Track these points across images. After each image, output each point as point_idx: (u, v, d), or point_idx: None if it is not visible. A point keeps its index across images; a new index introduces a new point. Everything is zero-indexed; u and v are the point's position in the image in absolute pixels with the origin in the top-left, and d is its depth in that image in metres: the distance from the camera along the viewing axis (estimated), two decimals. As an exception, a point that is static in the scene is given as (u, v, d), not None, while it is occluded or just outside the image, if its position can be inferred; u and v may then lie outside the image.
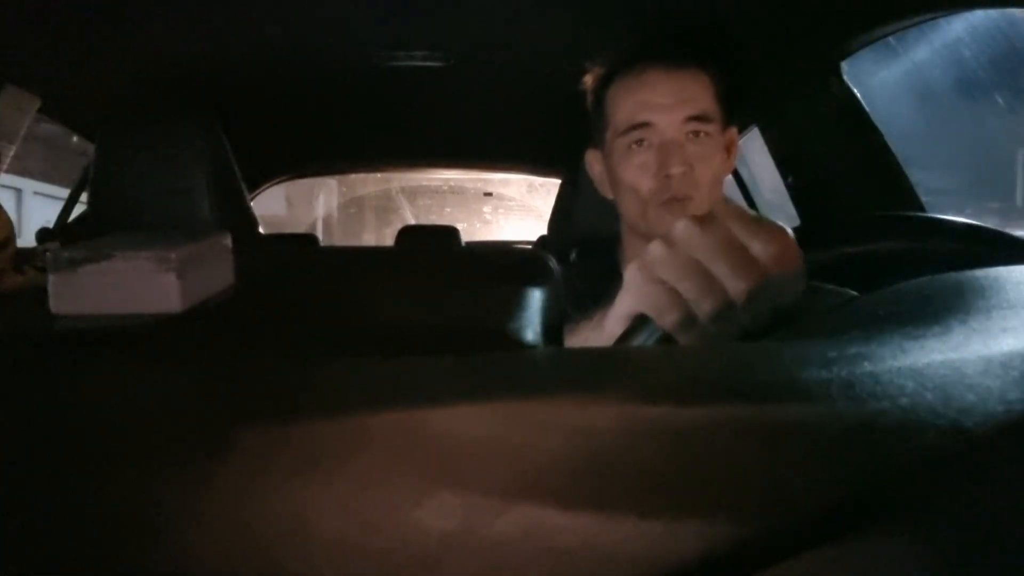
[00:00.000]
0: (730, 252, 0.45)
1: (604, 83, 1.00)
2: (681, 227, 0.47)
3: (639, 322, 0.46)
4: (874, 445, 0.19)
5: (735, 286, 0.44)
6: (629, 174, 0.94)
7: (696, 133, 0.93)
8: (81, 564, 0.16)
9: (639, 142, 0.94)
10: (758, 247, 0.45)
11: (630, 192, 0.95)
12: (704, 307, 0.45)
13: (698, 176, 0.92)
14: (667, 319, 0.46)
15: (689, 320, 0.46)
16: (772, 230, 0.46)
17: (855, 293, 0.49)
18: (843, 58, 1.29)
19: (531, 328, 0.34)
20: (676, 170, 0.90)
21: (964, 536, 0.18)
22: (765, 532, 0.17)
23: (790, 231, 0.46)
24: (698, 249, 0.45)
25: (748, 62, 1.36)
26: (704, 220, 0.46)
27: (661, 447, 0.19)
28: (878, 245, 0.50)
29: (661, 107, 0.93)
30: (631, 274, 0.48)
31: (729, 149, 0.99)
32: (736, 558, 0.17)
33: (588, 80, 1.03)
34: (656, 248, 0.47)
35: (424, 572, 0.15)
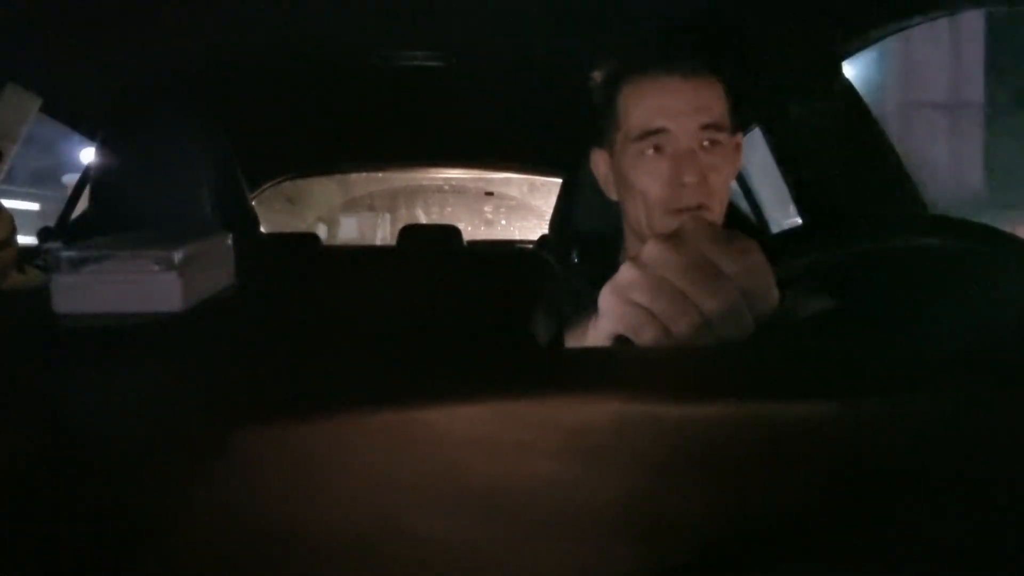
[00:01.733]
0: (699, 271, 0.46)
1: (615, 83, 0.98)
2: (649, 249, 0.48)
3: (618, 343, 0.47)
4: (870, 442, 0.19)
5: (706, 303, 0.45)
6: (641, 180, 0.94)
7: (711, 142, 0.93)
8: (82, 562, 0.16)
9: (655, 148, 0.93)
10: (726, 263, 0.46)
11: (639, 197, 0.95)
12: (678, 325, 0.46)
13: (711, 185, 0.92)
14: (643, 338, 0.46)
15: (666, 339, 0.46)
16: (740, 246, 0.47)
17: (833, 300, 0.49)
18: (845, 57, 1.29)
19: (530, 328, 0.34)
20: (690, 180, 0.90)
21: (961, 534, 0.18)
22: (765, 531, 0.17)
23: (757, 245, 0.47)
24: (667, 269, 0.46)
25: (750, 62, 1.36)
26: (672, 240, 0.47)
27: (658, 446, 0.19)
28: (868, 246, 0.50)
29: (678, 113, 0.92)
30: (604, 297, 0.49)
31: (735, 155, 0.99)
32: (736, 557, 0.17)
33: (597, 76, 1.02)
34: (627, 271, 0.48)
35: (422, 569, 0.15)
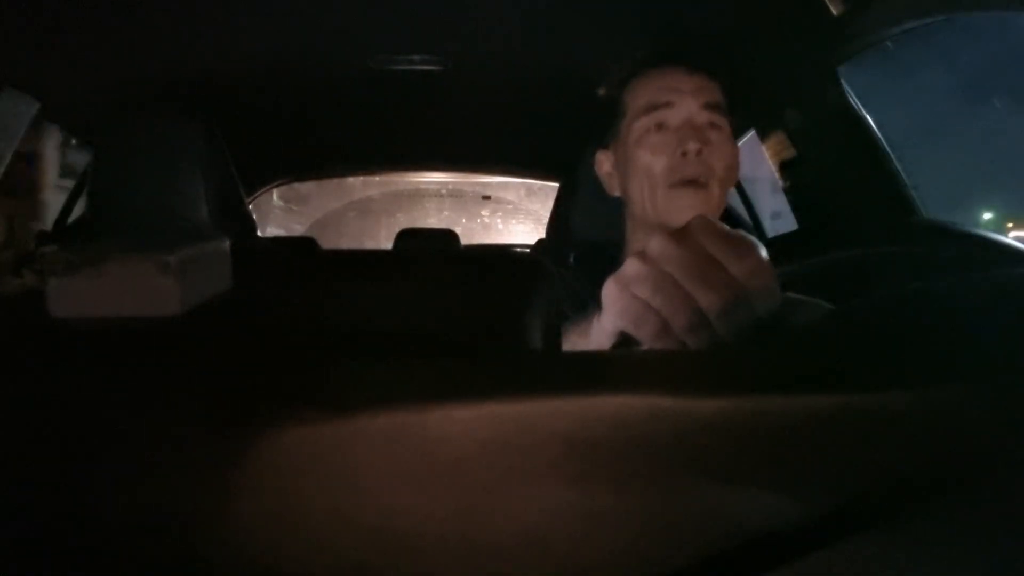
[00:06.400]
0: (702, 267, 0.46)
1: (623, 83, 1.03)
2: (655, 243, 0.48)
3: (622, 339, 0.47)
4: (868, 442, 0.19)
5: (707, 300, 0.45)
6: (645, 157, 0.97)
7: (711, 123, 0.97)
8: (81, 563, 0.16)
9: (658, 126, 0.97)
10: (731, 262, 0.46)
11: (643, 177, 0.98)
12: (678, 321, 0.46)
13: (713, 162, 0.96)
14: (644, 333, 0.47)
15: (666, 334, 0.46)
16: (744, 245, 0.47)
17: (830, 306, 0.50)
18: (840, 62, 1.30)
19: (528, 332, 0.34)
20: (693, 147, 0.94)
21: (961, 534, 0.18)
22: (765, 531, 0.17)
23: (762, 246, 0.47)
24: (671, 264, 0.47)
25: (746, 65, 1.36)
26: (678, 236, 0.47)
27: (655, 448, 0.19)
28: (869, 251, 0.51)
29: (682, 92, 0.97)
30: (608, 290, 0.49)
31: (734, 150, 1.02)
32: (736, 558, 0.17)
33: (603, 90, 1.07)
34: (631, 264, 0.48)
35: (422, 570, 0.15)
